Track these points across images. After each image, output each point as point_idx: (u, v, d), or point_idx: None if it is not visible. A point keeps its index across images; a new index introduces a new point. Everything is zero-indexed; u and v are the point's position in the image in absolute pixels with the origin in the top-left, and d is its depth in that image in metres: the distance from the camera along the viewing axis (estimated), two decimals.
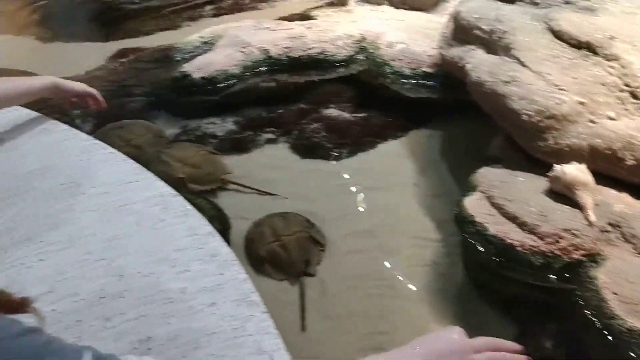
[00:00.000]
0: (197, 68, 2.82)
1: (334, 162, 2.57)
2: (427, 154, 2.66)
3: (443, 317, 1.90)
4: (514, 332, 1.82)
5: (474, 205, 1.94)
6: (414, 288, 2.00)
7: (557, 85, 2.02)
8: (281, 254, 2.01)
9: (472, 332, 1.77)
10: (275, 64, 3.00)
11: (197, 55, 2.98)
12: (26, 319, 0.77)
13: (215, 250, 1.53)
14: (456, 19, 2.58)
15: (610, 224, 1.78)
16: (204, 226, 1.60)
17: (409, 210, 2.33)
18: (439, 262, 2.09)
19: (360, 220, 2.27)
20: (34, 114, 2.04)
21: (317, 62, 3.02)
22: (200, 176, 2.27)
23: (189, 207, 1.67)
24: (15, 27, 3.97)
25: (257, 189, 2.30)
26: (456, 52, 2.49)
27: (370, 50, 3.06)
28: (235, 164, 2.49)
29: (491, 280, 1.92)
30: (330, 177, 2.49)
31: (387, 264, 2.08)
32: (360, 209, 2.34)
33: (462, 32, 2.53)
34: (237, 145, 2.60)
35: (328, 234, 2.18)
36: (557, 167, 1.85)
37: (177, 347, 1.28)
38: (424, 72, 2.88)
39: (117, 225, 1.59)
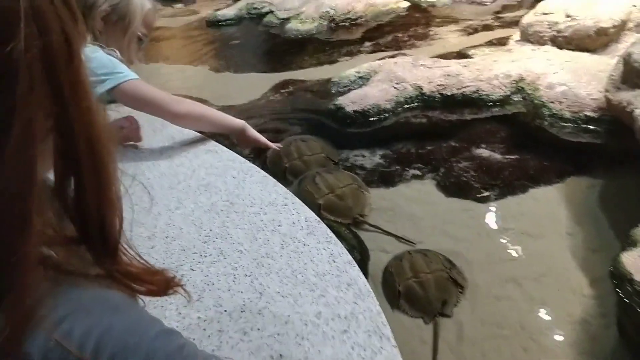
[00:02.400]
0: (351, 101, 2.93)
1: (482, 204, 2.49)
2: (586, 204, 2.47)
3: None
4: None
5: (634, 261, 1.77)
6: (559, 345, 1.85)
7: None
8: (418, 291, 1.98)
9: None
10: (428, 101, 3.00)
11: (353, 89, 3.08)
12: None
13: (352, 279, 1.56)
14: (627, 61, 2.40)
15: None
16: (344, 255, 1.64)
17: (562, 262, 2.17)
18: (591, 321, 1.92)
19: (506, 266, 2.16)
20: (199, 135, 2.27)
21: (471, 101, 2.97)
22: (338, 208, 2.32)
23: (331, 234, 1.72)
24: (194, 59, 4.44)
25: (390, 233, 2.29)
26: (625, 96, 2.32)
27: (529, 91, 2.95)
28: (380, 196, 2.51)
29: None
30: (476, 218, 2.41)
31: (533, 316, 1.95)
32: (508, 254, 2.23)
33: (634, 75, 2.34)
34: (384, 178, 2.62)
35: (470, 276, 2.11)
36: None
37: None
38: (587, 115, 2.70)
39: (263, 244, 1.68)
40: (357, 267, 1.59)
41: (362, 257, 2.09)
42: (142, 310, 0.73)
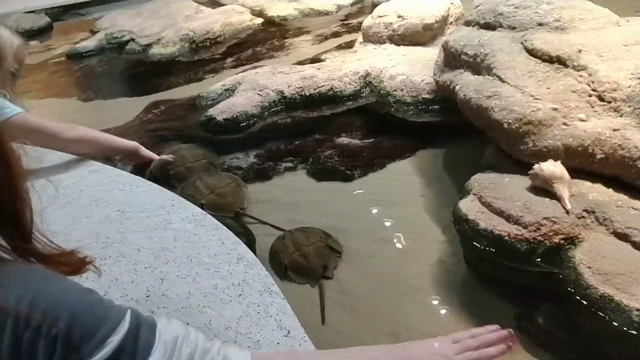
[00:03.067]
0: (220, 111, 3.19)
1: (348, 182, 2.86)
2: (433, 170, 2.93)
3: (450, 306, 2.12)
4: (512, 313, 2.03)
5: (468, 206, 2.20)
6: (426, 283, 2.24)
7: (532, 96, 2.29)
8: (301, 261, 2.29)
9: (475, 317, 2.02)
10: (290, 103, 3.34)
11: (221, 101, 3.34)
12: None
13: (241, 254, 1.81)
14: (445, 47, 2.89)
15: (585, 211, 2.01)
16: (231, 237, 1.89)
17: (419, 219, 2.58)
18: (445, 260, 2.32)
19: (375, 230, 2.53)
20: (80, 158, 2.41)
21: (327, 98, 3.35)
22: (220, 205, 2.57)
23: (219, 223, 1.97)
24: (61, 91, 4.45)
25: (266, 222, 2.56)
26: (447, 76, 2.79)
27: (375, 84, 3.39)
28: (259, 190, 2.80)
29: (488, 270, 2.15)
30: (345, 195, 2.78)
31: (402, 266, 2.33)
32: (375, 220, 2.60)
33: (452, 59, 2.84)
34: (260, 174, 2.91)
35: (347, 243, 2.44)
36: (536, 166, 2.10)
37: (210, 329, 1.55)
38: (424, 98, 3.18)
39: (158, 241, 1.90)
40: (244, 245, 1.85)
41: (249, 241, 2.36)
42: (67, 278, 0.87)
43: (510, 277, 2.13)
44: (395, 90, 3.25)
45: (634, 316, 1.69)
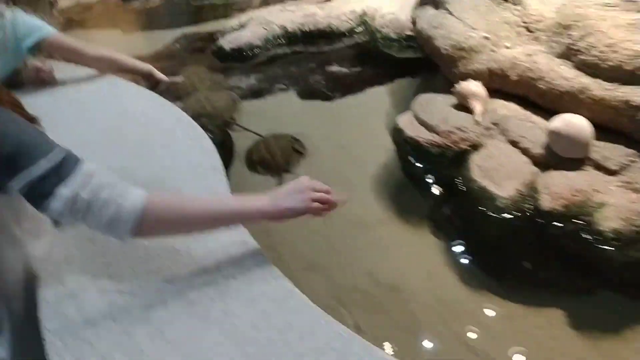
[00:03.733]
0: (228, 42, 3.70)
1: (328, 102, 3.33)
2: (405, 95, 3.28)
3: (383, 199, 2.58)
4: (430, 204, 2.47)
5: (403, 119, 2.61)
6: (366, 181, 2.69)
7: (470, 26, 2.64)
8: (269, 158, 2.81)
9: (400, 207, 2.47)
10: (291, 37, 3.81)
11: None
12: None
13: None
14: None
15: (493, 124, 2.39)
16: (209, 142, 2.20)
17: (378, 130, 2.97)
18: (390, 164, 2.75)
19: (337, 137, 2.99)
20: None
21: (324, 34, 3.79)
22: (212, 113, 3.11)
23: (201, 131, 2.32)
24: (103, 22, 5.06)
25: (248, 129, 3.06)
26: (416, 12, 3.15)
27: (369, 22, 3.78)
28: (251, 105, 3.31)
29: (415, 172, 2.57)
30: (322, 111, 3.26)
31: (354, 166, 2.78)
32: (341, 130, 3.06)
33: None
34: (255, 93, 3.43)
35: (311, 147, 2.92)
36: (457, 84, 2.49)
37: None
38: (407, 35, 3.55)
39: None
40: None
41: (228, 145, 2.90)
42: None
43: (428, 175, 2.54)
44: (382, 27, 3.63)
45: (499, 203, 2.09)
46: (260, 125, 3.15)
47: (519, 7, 2.63)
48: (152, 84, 3.25)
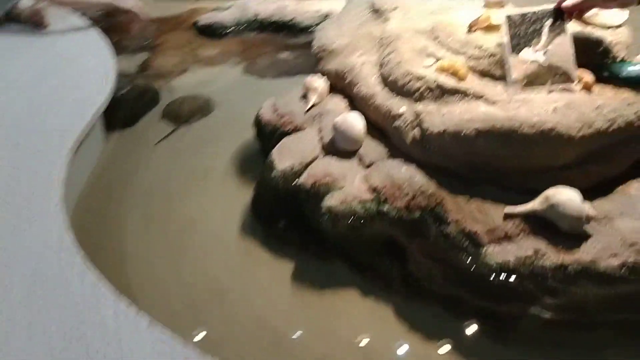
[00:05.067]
0: (205, 19, 4.38)
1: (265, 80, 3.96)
2: None
3: (239, 179, 3.14)
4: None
5: (267, 103, 3.05)
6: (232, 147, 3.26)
7: (342, 35, 3.09)
8: (176, 110, 3.47)
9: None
10: (261, 24, 4.41)
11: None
12: None
13: None
14: None
15: (319, 114, 2.84)
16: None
17: None
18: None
19: (243, 112, 3.57)
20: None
21: (287, 26, 4.35)
22: (158, 72, 3.81)
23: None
24: None
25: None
26: None
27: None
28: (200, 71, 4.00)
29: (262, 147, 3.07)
30: (253, 87, 3.87)
31: (227, 134, 3.35)
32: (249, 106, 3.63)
33: None
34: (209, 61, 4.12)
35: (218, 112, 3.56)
36: (306, 78, 2.96)
37: None
38: None
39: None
40: None
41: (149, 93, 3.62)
42: None
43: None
44: None
45: (274, 173, 2.55)
46: (196, 88, 3.81)
47: (383, 24, 3.03)
48: None
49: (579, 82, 2.23)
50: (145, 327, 1.53)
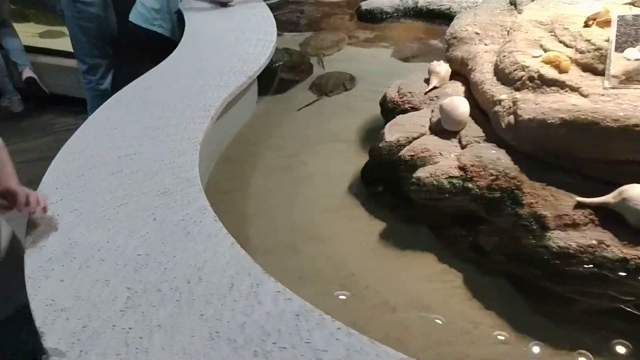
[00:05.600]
0: (367, 4, 4.76)
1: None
2: None
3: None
4: None
5: (395, 82, 3.38)
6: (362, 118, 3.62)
7: (475, 23, 3.26)
8: (322, 84, 3.95)
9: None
10: (417, 11, 4.67)
11: None
12: None
13: None
14: None
15: (437, 96, 3.07)
16: None
17: None
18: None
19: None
20: None
21: (443, 14, 4.55)
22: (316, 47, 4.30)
23: None
24: None
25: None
26: None
27: None
28: (353, 51, 4.43)
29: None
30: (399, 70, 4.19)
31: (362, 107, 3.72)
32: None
33: None
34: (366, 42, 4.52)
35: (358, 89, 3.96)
36: (431, 63, 3.20)
37: None
38: None
39: None
40: None
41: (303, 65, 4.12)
42: None
43: None
44: None
45: (382, 144, 2.86)
46: (345, 65, 4.24)
47: (518, 15, 3.13)
48: None
49: None
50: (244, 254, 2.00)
